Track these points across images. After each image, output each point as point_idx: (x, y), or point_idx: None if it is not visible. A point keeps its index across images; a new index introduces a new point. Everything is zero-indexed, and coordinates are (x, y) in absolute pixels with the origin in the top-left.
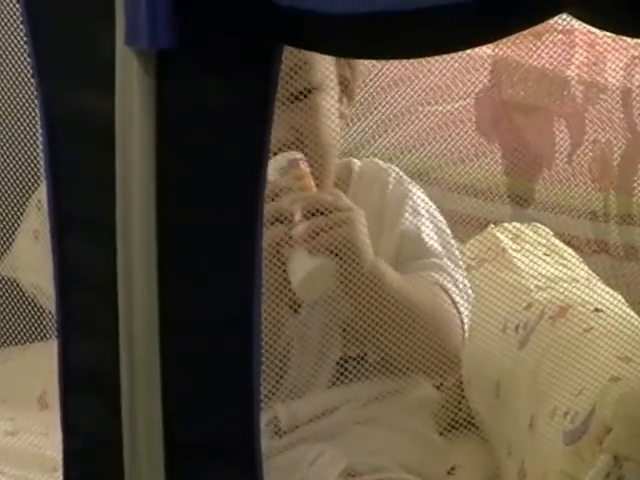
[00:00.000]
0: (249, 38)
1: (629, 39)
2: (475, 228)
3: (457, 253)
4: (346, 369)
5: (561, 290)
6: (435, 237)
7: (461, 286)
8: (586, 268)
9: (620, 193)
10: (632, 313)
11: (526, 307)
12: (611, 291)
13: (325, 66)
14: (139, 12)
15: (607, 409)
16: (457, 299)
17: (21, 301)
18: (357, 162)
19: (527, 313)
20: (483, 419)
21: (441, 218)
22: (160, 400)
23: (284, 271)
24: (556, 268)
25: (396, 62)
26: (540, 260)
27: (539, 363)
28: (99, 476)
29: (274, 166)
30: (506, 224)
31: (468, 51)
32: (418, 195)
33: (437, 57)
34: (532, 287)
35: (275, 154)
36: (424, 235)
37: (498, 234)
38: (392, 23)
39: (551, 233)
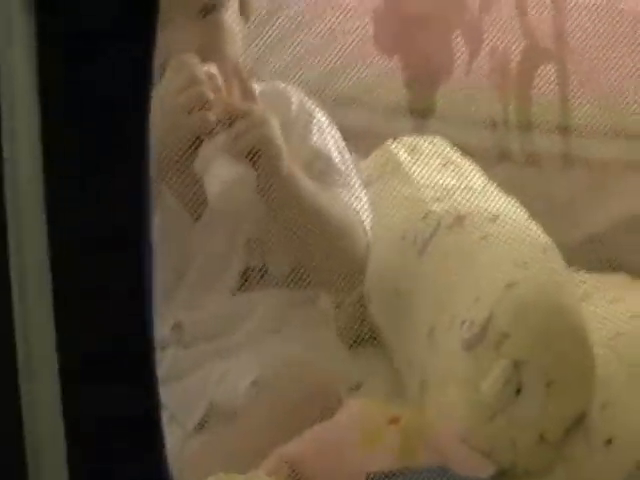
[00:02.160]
0: None
1: None
2: (378, 143)
3: (355, 174)
4: (249, 280)
5: (457, 200)
6: (339, 157)
7: (364, 203)
8: (483, 177)
9: (519, 100)
10: (528, 219)
11: (422, 218)
12: (508, 198)
13: None
14: None
15: (504, 315)
16: (363, 217)
17: None
18: (256, 86)
19: (423, 224)
20: (384, 333)
21: (340, 139)
22: (52, 316)
23: (191, 178)
24: (452, 178)
25: None
26: (436, 171)
27: (437, 273)
28: None
29: None
30: (404, 138)
31: None
32: (321, 115)
33: None
34: (428, 198)
35: None
36: (331, 154)
37: (394, 148)
38: None
39: (448, 144)
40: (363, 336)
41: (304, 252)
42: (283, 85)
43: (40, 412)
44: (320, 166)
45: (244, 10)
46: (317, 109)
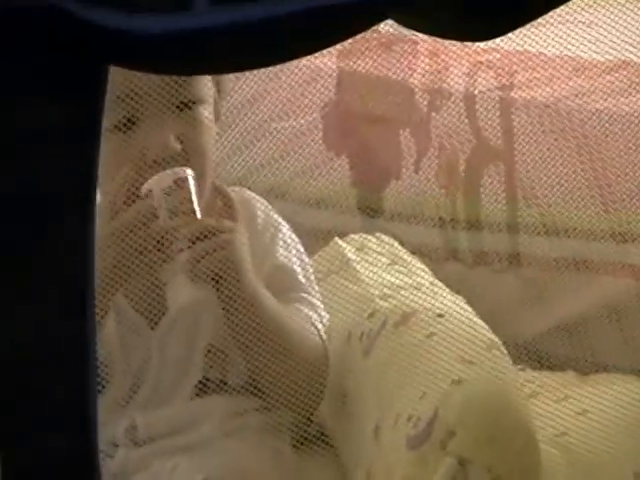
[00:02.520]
0: (70, 58)
1: (472, 45)
2: (327, 241)
3: (315, 284)
4: (206, 389)
5: (404, 298)
6: (301, 272)
7: (323, 318)
8: (429, 275)
9: (467, 199)
10: (474, 317)
11: (369, 316)
12: (455, 297)
13: (206, 81)
14: None
15: (450, 413)
16: (323, 334)
17: None
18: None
19: (370, 322)
20: (332, 430)
21: (303, 250)
22: None
23: (149, 288)
24: (399, 276)
25: (240, 83)
26: (383, 269)
27: (383, 370)
28: None
29: (159, 185)
30: (352, 235)
31: (312, 65)
32: (286, 228)
33: (283, 73)
34: (375, 296)
35: (160, 164)
36: (295, 268)
37: (343, 245)
38: (209, 39)
39: (396, 242)
40: (311, 434)
41: (263, 367)
42: (248, 193)
43: None
44: (283, 280)
45: (215, 111)
46: (282, 222)
